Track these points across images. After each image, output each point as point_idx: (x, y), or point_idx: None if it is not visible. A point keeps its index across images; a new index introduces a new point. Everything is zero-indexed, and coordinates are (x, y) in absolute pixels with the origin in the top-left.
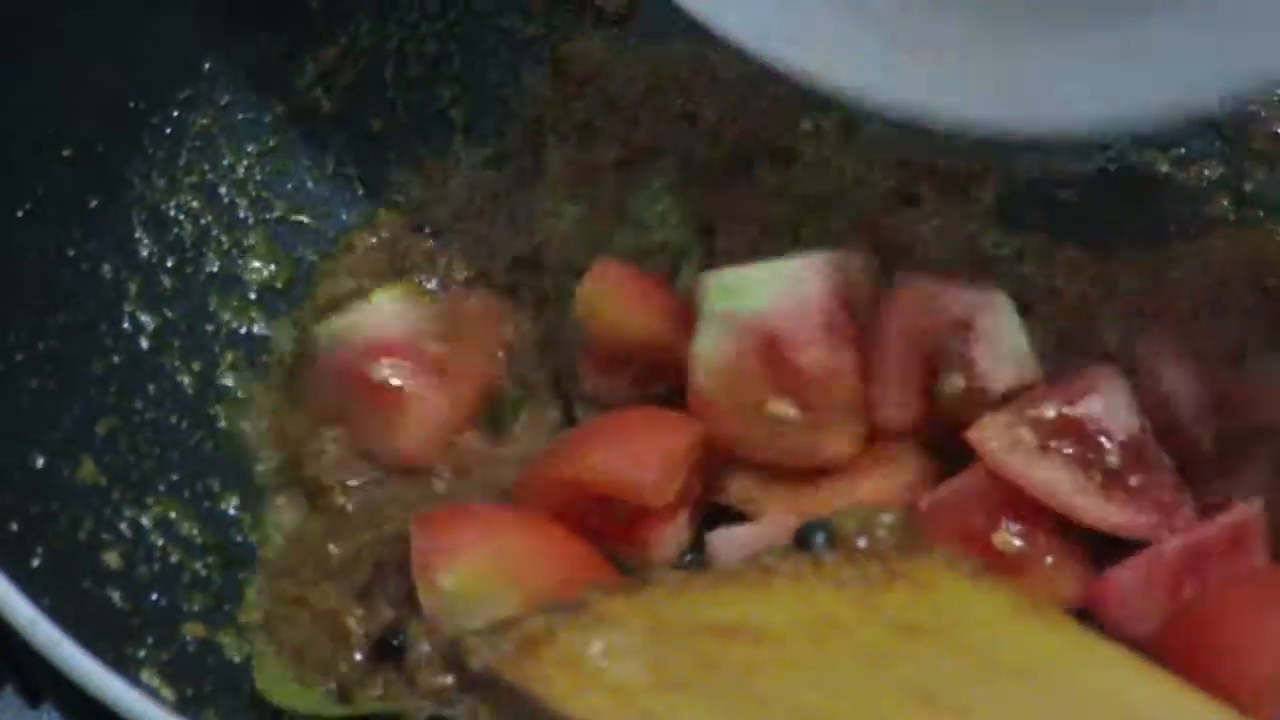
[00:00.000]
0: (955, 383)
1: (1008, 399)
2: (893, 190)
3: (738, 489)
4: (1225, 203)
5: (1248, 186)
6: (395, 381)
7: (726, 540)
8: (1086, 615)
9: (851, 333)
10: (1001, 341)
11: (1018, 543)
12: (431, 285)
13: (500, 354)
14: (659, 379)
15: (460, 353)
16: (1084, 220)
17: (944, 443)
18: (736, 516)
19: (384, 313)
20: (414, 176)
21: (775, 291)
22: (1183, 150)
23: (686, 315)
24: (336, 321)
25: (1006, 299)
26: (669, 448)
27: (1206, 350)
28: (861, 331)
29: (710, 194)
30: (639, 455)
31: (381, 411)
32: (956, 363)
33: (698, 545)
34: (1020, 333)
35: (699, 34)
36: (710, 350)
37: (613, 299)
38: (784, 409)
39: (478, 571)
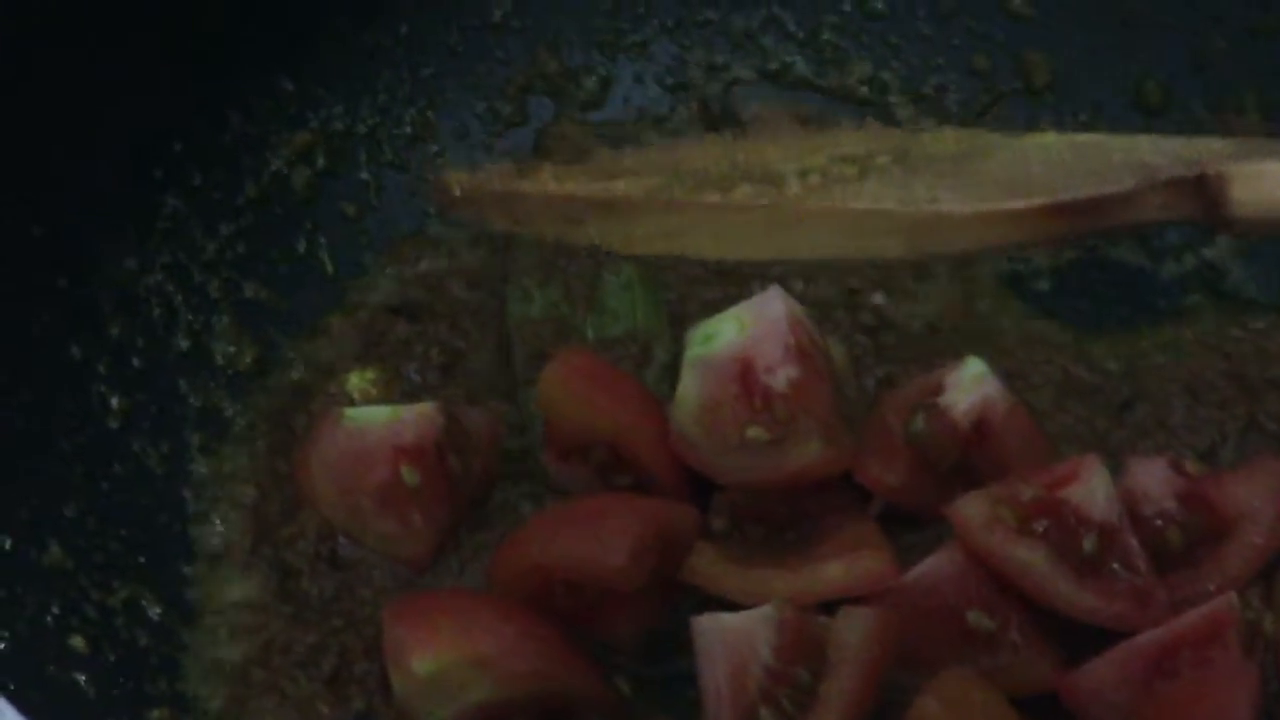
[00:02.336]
0: (920, 419)
1: (983, 432)
2: (875, 274)
3: (703, 571)
4: (1201, 295)
5: (1224, 281)
6: (415, 489)
7: (713, 625)
8: (1057, 703)
9: (813, 353)
10: (962, 375)
11: (990, 623)
12: (408, 370)
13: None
14: (623, 471)
15: (469, 466)
16: (1060, 310)
17: (923, 520)
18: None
19: (408, 417)
20: (388, 260)
21: (744, 323)
22: (1159, 242)
23: (650, 406)
24: (360, 413)
25: (977, 359)
26: (637, 532)
27: (1179, 442)
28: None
29: (683, 283)
30: (607, 540)
31: (392, 514)
32: (923, 406)
33: (678, 632)
34: (981, 364)
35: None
36: (690, 396)
37: (573, 393)
38: (758, 433)
39: (450, 658)
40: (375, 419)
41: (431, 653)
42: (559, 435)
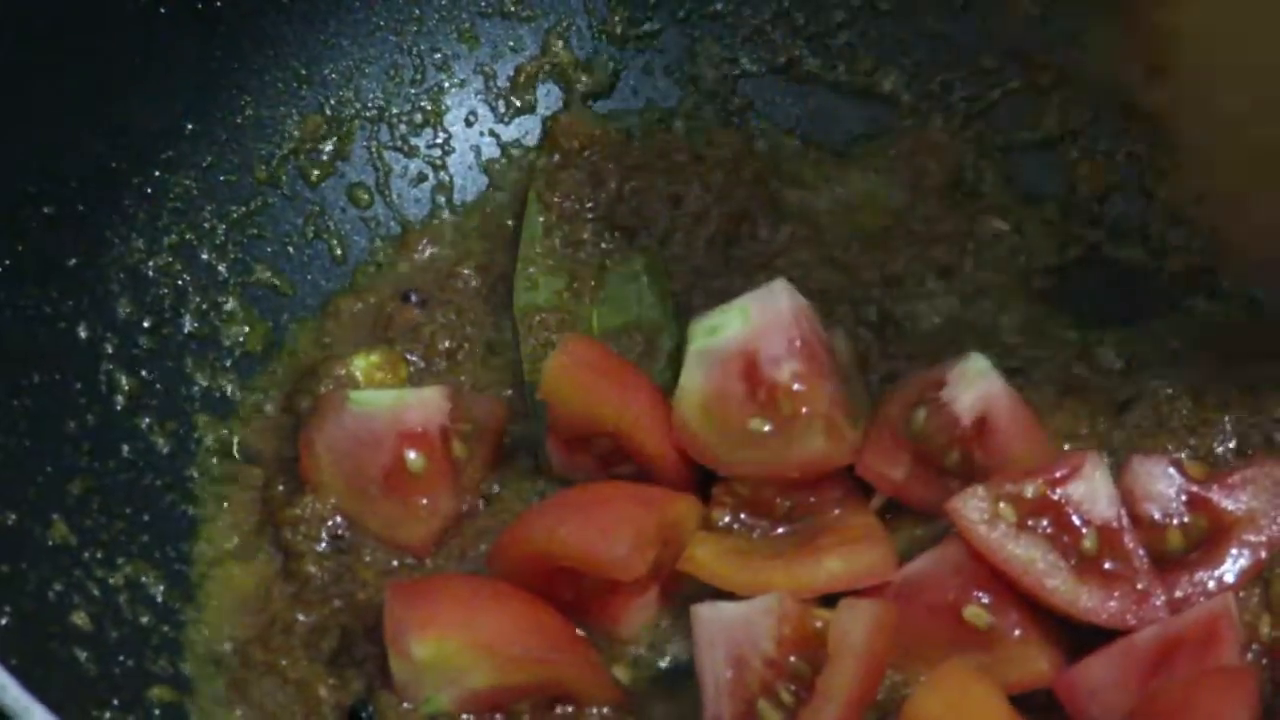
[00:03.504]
0: (921, 414)
1: (985, 428)
2: (879, 270)
3: (702, 562)
4: (1203, 294)
5: (1224, 281)
6: (419, 474)
7: (713, 614)
8: (1054, 701)
9: (817, 347)
10: (965, 371)
11: (988, 618)
12: (414, 355)
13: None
14: (625, 460)
15: (473, 453)
16: (1063, 308)
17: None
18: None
19: (414, 401)
20: (398, 245)
21: (749, 315)
22: (1160, 242)
23: (654, 397)
24: (366, 397)
25: (980, 355)
26: (640, 523)
27: (1179, 441)
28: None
29: (688, 274)
30: (610, 529)
31: (396, 499)
32: (925, 402)
33: (677, 622)
34: (984, 360)
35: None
36: (694, 387)
37: (577, 381)
38: (761, 425)
39: (450, 642)
40: (380, 403)
41: (432, 636)
42: (562, 424)
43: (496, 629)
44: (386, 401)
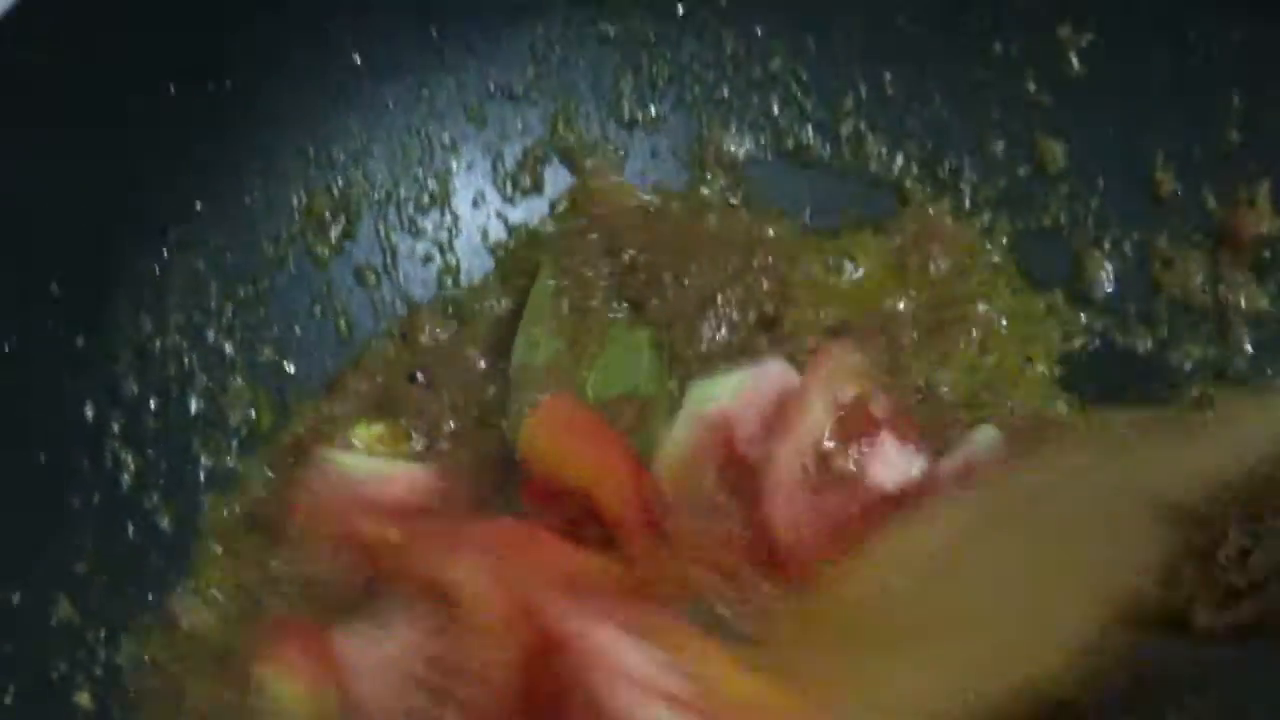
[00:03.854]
0: None
1: None
2: (884, 353)
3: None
4: (1209, 380)
5: (1231, 370)
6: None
7: None
8: None
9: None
10: (972, 443)
11: None
12: (419, 431)
13: None
14: (594, 522)
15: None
16: (1070, 393)
17: None
18: None
19: (401, 474)
20: (405, 325)
21: (738, 389)
22: (1167, 332)
23: (629, 462)
24: (348, 461)
25: (990, 427)
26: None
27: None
28: None
29: (694, 358)
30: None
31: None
32: None
33: None
34: (993, 430)
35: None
36: (676, 446)
37: (555, 438)
38: (725, 500)
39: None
40: (361, 470)
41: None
42: (537, 479)
43: None
44: (368, 469)
